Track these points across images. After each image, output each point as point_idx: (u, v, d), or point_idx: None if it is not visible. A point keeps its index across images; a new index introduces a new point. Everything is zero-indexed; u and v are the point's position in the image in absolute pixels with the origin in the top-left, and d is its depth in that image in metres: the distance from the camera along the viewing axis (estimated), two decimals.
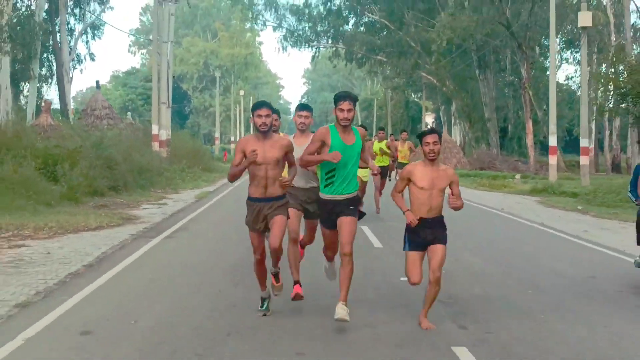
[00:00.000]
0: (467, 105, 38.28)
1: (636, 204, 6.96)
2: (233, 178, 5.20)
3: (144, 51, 69.76)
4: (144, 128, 24.66)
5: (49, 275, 6.93)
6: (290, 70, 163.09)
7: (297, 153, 5.37)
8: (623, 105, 15.86)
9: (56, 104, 28.59)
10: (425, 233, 5.08)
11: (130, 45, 66.20)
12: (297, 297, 5.62)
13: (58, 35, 29.75)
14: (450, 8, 33.31)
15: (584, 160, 19.71)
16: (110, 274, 7.10)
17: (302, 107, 5.90)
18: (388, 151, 12.92)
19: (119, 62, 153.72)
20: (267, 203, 5.17)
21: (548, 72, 28.36)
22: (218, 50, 65.50)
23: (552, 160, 20.73)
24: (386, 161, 12.83)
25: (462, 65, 37.58)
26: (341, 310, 4.88)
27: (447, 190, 5.19)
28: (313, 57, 44.06)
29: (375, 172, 6.13)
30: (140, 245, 9.04)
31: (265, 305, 5.45)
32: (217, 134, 48.68)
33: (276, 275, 5.47)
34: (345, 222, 5.12)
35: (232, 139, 57.04)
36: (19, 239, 9.21)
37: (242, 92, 59.02)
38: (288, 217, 5.26)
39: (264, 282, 5.42)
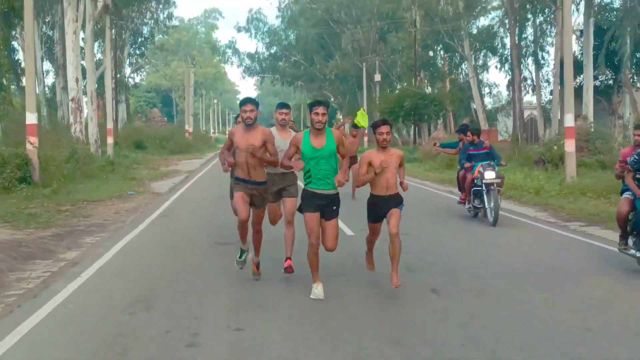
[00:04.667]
0: (349, 112, 76.43)
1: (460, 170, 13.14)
2: (222, 157, 7.09)
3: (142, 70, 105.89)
4: (179, 127, 62.89)
5: (200, 169, 44.52)
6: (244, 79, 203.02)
7: (279, 143, 7.51)
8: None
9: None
10: (383, 210, 6.90)
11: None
12: (289, 270, 7.42)
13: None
14: (337, 50, 70.78)
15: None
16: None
17: (282, 105, 7.98)
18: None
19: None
20: (251, 185, 7.05)
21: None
22: (196, 70, 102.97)
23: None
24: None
25: (347, 85, 75.23)
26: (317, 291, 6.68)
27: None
28: (260, 82, 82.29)
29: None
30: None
31: (243, 256, 7.30)
32: (204, 128, 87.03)
33: (257, 265, 7.40)
34: (329, 227, 6.75)
35: (212, 131, 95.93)
36: (171, 164, 46.68)
37: (215, 101, 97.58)
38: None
39: (245, 238, 7.27)
